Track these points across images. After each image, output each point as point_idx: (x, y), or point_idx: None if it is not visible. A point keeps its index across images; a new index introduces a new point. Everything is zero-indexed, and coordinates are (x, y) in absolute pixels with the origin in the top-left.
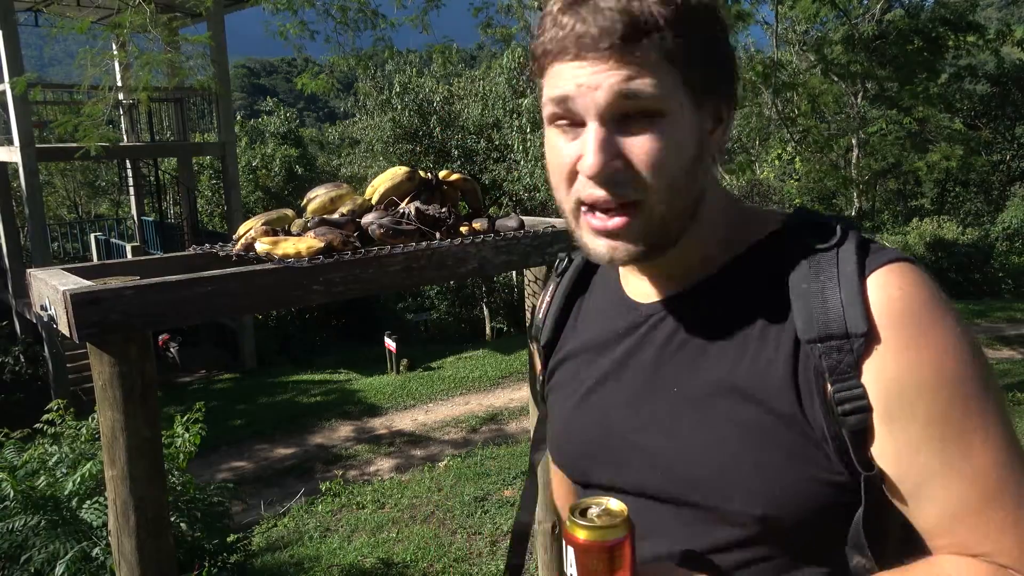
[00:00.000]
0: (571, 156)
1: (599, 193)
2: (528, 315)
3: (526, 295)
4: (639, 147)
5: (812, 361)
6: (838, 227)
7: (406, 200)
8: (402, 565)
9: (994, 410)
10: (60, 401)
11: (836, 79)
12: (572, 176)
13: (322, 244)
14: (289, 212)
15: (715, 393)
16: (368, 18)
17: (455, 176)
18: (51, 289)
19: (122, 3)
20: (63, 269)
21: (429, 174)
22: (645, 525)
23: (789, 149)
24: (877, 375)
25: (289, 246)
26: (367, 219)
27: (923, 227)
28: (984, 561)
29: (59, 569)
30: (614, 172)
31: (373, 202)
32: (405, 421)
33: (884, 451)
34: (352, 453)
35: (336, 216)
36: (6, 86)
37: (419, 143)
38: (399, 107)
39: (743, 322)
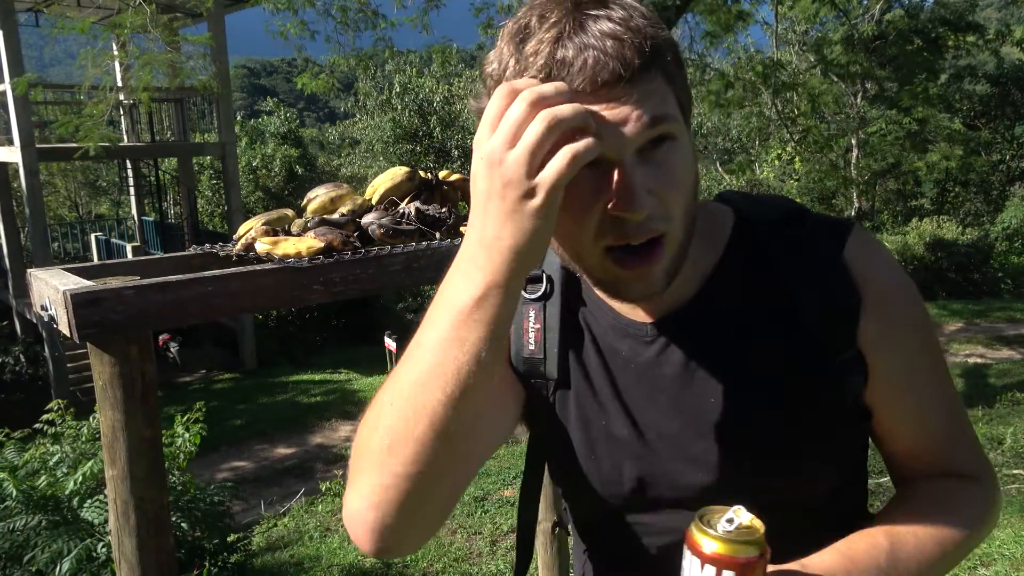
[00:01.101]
0: (594, 200)
1: (632, 234)
2: None
3: None
4: (664, 178)
5: (821, 338)
6: (789, 207)
7: (406, 200)
8: (402, 565)
9: (940, 350)
10: (60, 401)
11: (836, 79)
12: (595, 221)
13: (322, 244)
14: (289, 212)
15: (752, 391)
16: (368, 18)
17: (455, 176)
18: (51, 289)
19: (122, 3)
20: (63, 269)
21: (429, 174)
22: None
23: (789, 149)
24: (869, 336)
25: (289, 246)
26: (367, 219)
27: (923, 227)
28: (955, 477)
29: (64, 567)
30: (653, 209)
31: (373, 202)
32: None
33: (880, 395)
34: None
35: (336, 216)
36: (7, 86)
37: (419, 143)
38: (399, 107)
39: (754, 320)
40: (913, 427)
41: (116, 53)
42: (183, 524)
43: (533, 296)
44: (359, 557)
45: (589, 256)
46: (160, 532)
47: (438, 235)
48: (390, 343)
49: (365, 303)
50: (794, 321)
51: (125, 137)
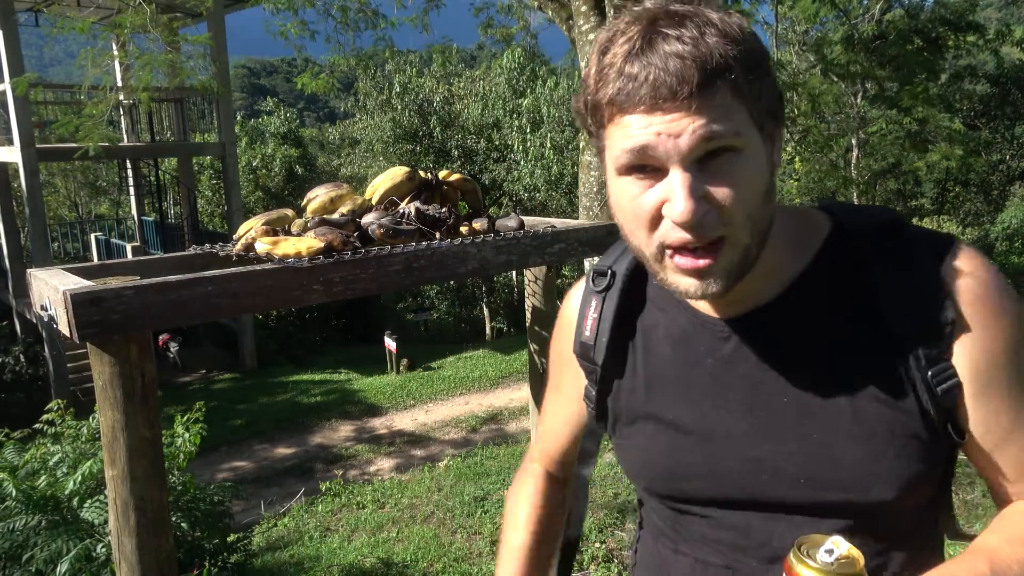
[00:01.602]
0: (652, 203)
1: (687, 236)
2: (528, 315)
3: (526, 295)
4: (722, 186)
5: (912, 350)
6: (888, 217)
7: (406, 200)
8: (402, 565)
9: None
10: (60, 401)
11: (836, 79)
12: (654, 222)
13: (322, 244)
14: (289, 212)
15: (835, 399)
16: (368, 18)
17: (455, 176)
18: (51, 289)
19: (122, 3)
20: (63, 269)
21: (429, 174)
22: (760, 534)
23: (789, 149)
24: (964, 355)
25: (289, 246)
26: (367, 219)
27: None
28: None
29: (62, 567)
30: (704, 215)
31: (373, 202)
32: (405, 421)
33: (973, 418)
34: (352, 453)
35: (336, 216)
36: (7, 86)
37: (419, 143)
38: (399, 107)
39: (839, 326)
40: (1012, 448)
41: (116, 53)
42: (183, 524)
43: (598, 288)
44: (359, 557)
45: (648, 252)
46: (160, 532)
47: (438, 235)
48: (390, 343)
49: (365, 303)
50: (883, 331)
51: (125, 137)
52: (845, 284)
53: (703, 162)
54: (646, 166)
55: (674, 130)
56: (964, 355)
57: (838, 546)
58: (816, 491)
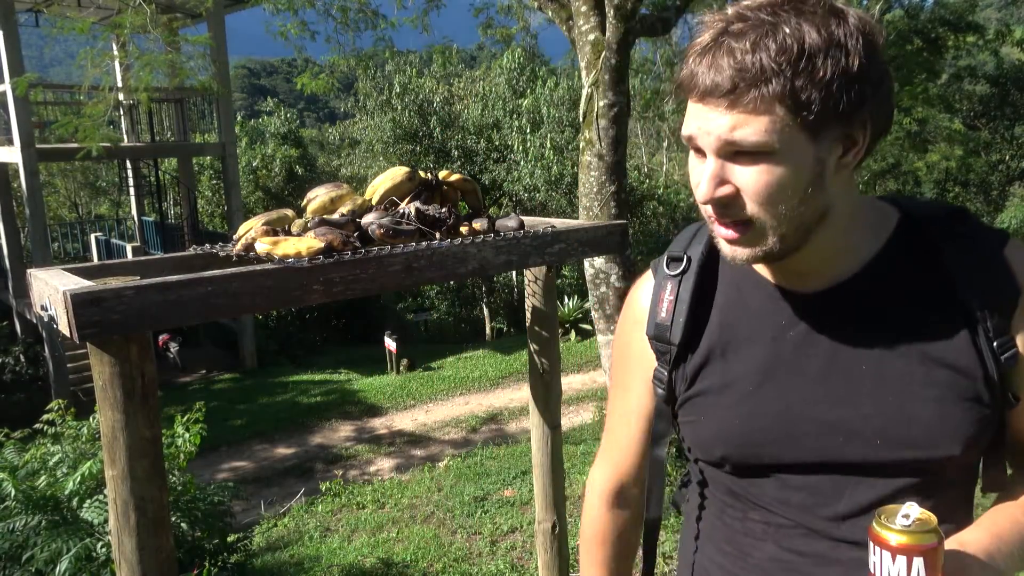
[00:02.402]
0: (698, 178)
1: (712, 211)
2: (528, 315)
3: (526, 295)
4: (747, 179)
5: (981, 322)
6: (952, 206)
7: (406, 200)
8: (402, 565)
9: None
10: (60, 401)
11: None
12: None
13: (322, 244)
14: (289, 212)
15: (909, 364)
16: (368, 18)
17: (455, 176)
18: (51, 289)
19: (122, 4)
20: (63, 269)
21: (429, 174)
22: (830, 494)
23: None
24: None
25: (289, 246)
26: (367, 219)
27: None
28: None
29: (62, 567)
30: (721, 198)
31: (373, 202)
32: (405, 421)
33: None
34: (352, 453)
35: (336, 216)
36: (7, 86)
37: (419, 143)
38: (399, 107)
39: (915, 299)
40: None
41: (116, 53)
42: (183, 524)
43: (673, 273)
44: (359, 557)
45: (703, 212)
46: (160, 532)
47: (438, 235)
48: (390, 343)
49: (365, 303)
50: (953, 304)
51: (125, 137)
52: (917, 262)
53: (738, 155)
54: (698, 147)
55: (708, 127)
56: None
57: (911, 509)
58: (889, 450)
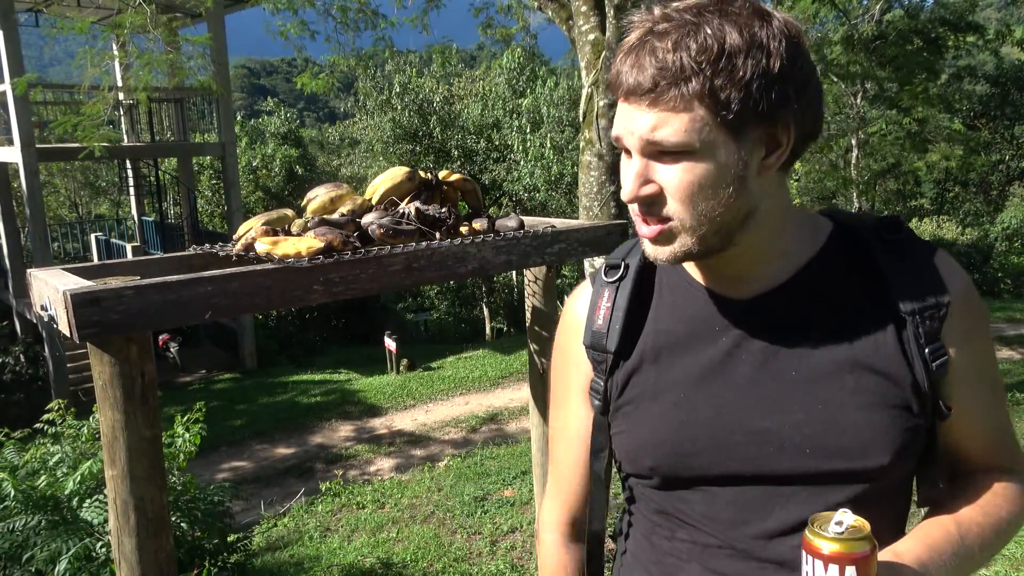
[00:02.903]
0: (624, 177)
1: (637, 210)
2: (528, 315)
3: (526, 295)
4: (669, 179)
5: (912, 329)
6: (885, 216)
7: (406, 200)
8: (402, 565)
9: (995, 354)
10: (60, 401)
11: (836, 79)
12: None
13: (322, 244)
14: (289, 212)
15: (840, 370)
16: (368, 18)
17: (455, 176)
18: (51, 289)
19: (122, 3)
20: (63, 269)
21: (429, 174)
22: (760, 509)
23: None
24: (957, 340)
25: (289, 246)
26: (367, 219)
27: (923, 227)
28: (1005, 471)
29: (61, 567)
30: (645, 197)
31: (373, 202)
32: (405, 421)
33: (963, 396)
34: (352, 453)
35: (336, 216)
36: (7, 86)
37: (419, 143)
38: (399, 107)
39: (847, 306)
40: (978, 424)
41: (116, 53)
42: (183, 524)
43: (611, 280)
44: (359, 557)
45: (631, 213)
46: (160, 532)
47: (438, 235)
48: (390, 343)
49: (365, 303)
50: (885, 310)
51: (125, 137)
52: (850, 269)
53: (662, 155)
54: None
55: (632, 127)
56: (957, 340)
57: (845, 516)
58: (819, 460)
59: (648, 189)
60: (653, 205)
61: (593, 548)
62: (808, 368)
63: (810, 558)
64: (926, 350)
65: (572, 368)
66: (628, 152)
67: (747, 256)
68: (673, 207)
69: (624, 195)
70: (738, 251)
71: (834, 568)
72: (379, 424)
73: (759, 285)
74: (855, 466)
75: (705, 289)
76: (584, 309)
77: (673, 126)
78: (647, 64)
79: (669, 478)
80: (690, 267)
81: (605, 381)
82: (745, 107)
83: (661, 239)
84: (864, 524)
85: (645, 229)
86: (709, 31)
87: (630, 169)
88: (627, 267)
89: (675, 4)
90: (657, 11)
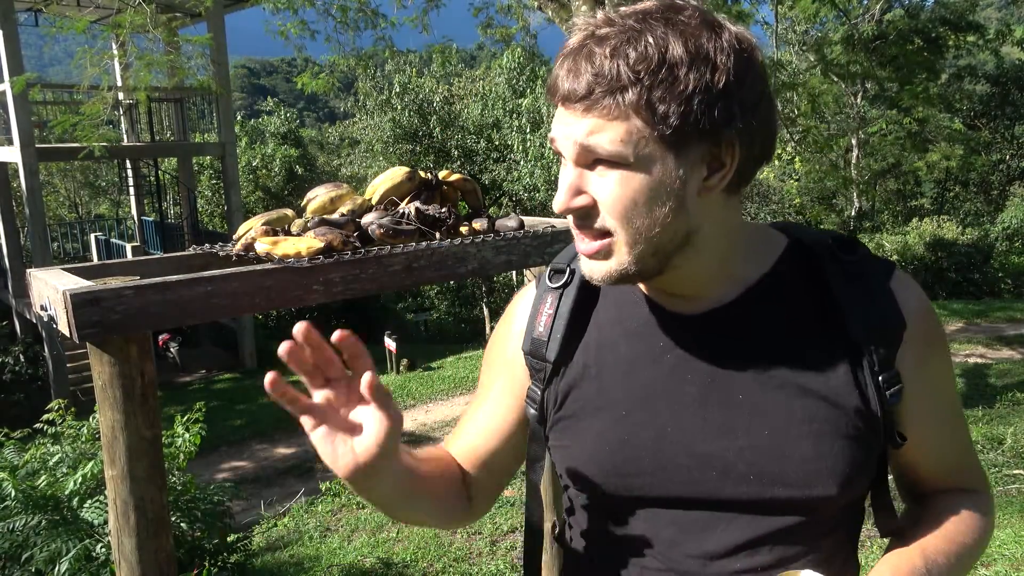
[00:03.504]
0: (559, 187)
1: (572, 223)
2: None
3: None
4: (603, 190)
5: (866, 357)
6: (840, 235)
7: (406, 200)
8: (402, 565)
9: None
10: (60, 401)
11: (836, 79)
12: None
13: (322, 244)
14: (289, 212)
15: (788, 396)
16: (368, 18)
17: (455, 176)
18: (51, 289)
19: (122, 3)
20: (63, 269)
21: (429, 174)
22: (700, 530)
23: (789, 149)
24: (914, 366)
25: (289, 246)
26: (367, 219)
27: (923, 227)
28: (965, 491)
29: (62, 567)
30: (577, 209)
31: (373, 202)
32: (405, 421)
33: (920, 423)
34: None
35: (336, 216)
36: (6, 86)
37: (419, 143)
38: (399, 107)
39: (798, 328)
40: (936, 448)
41: (115, 53)
42: (183, 524)
43: (554, 285)
44: (359, 557)
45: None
46: (160, 532)
47: (438, 235)
48: (390, 343)
49: (365, 303)
50: (837, 335)
51: (125, 137)
52: (803, 290)
53: (594, 164)
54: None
55: (567, 133)
56: (912, 366)
57: None
58: (762, 487)
59: (580, 200)
60: (587, 218)
61: (530, 560)
62: (756, 392)
63: None
64: (879, 378)
65: (505, 371)
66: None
67: (688, 279)
68: (609, 222)
69: (556, 205)
70: (679, 275)
71: None
72: None
73: (707, 302)
74: (799, 495)
75: (651, 302)
76: (526, 313)
77: (608, 135)
78: (583, 70)
79: (610, 497)
80: None
81: (542, 391)
82: (685, 122)
83: (599, 256)
84: None
85: (583, 245)
86: (651, 39)
87: (563, 179)
88: (572, 273)
89: (622, 9)
90: (601, 15)
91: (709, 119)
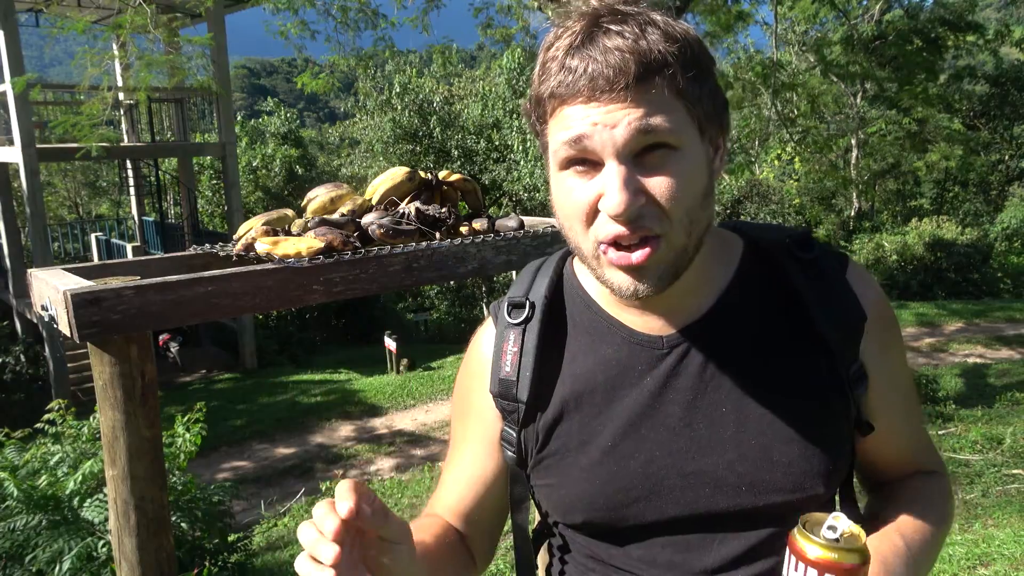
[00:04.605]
0: (589, 197)
1: (621, 230)
2: None
3: None
4: (659, 182)
5: (836, 351)
6: (794, 231)
7: (406, 200)
8: None
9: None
10: (61, 401)
11: (835, 79)
12: (591, 216)
13: (322, 244)
14: (289, 212)
15: (767, 402)
16: (368, 18)
17: (455, 176)
18: (52, 289)
19: (122, 3)
20: (64, 269)
21: (429, 174)
22: (698, 548)
23: (788, 149)
24: (875, 355)
25: (289, 246)
26: (367, 219)
27: (922, 227)
28: (926, 473)
29: (64, 566)
30: (638, 208)
31: (373, 202)
32: (405, 421)
33: (883, 411)
34: (353, 453)
35: (336, 216)
36: (7, 86)
37: (419, 143)
38: (399, 107)
39: (769, 333)
40: (897, 434)
41: (116, 53)
42: (183, 524)
43: (515, 321)
44: None
45: (586, 249)
46: (160, 532)
47: (438, 235)
48: (390, 343)
49: (365, 303)
50: (808, 334)
51: (125, 137)
52: (767, 293)
53: (640, 157)
54: (585, 160)
55: (610, 121)
56: (875, 355)
57: (839, 521)
58: (756, 496)
59: (642, 199)
60: (640, 219)
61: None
62: (737, 403)
63: (793, 559)
64: (850, 370)
65: (475, 414)
66: (590, 161)
67: (681, 285)
68: (665, 215)
69: (614, 209)
70: (678, 281)
71: (813, 573)
72: (379, 424)
73: (680, 318)
74: (792, 499)
75: (622, 327)
76: (489, 352)
77: (663, 116)
78: (618, 53)
79: (603, 528)
80: (604, 302)
81: (519, 432)
82: (707, 102)
83: (653, 260)
84: (860, 534)
85: (629, 256)
86: (660, 20)
87: (611, 178)
88: (532, 305)
89: (595, 1)
90: (595, 2)
91: (721, 101)
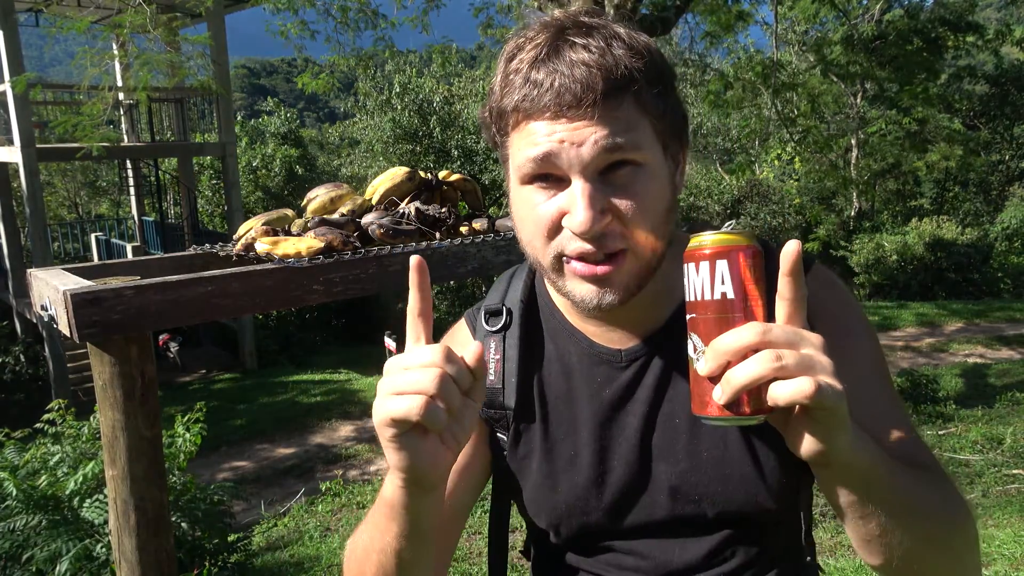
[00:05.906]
0: (552, 212)
1: (587, 247)
2: None
3: None
4: (625, 199)
5: None
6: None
7: (406, 200)
8: None
9: (887, 369)
10: (61, 401)
11: (836, 79)
12: (553, 231)
13: (322, 244)
14: (289, 212)
15: None
16: (368, 18)
17: (455, 176)
18: (52, 289)
19: (122, 3)
20: (64, 269)
21: (429, 174)
22: (661, 552)
23: (788, 149)
24: (844, 361)
25: (289, 246)
26: (367, 219)
27: (922, 227)
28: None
29: (62, 567)
30: (604, 226)
31: (373, 202)
32: None
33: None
34: (353, 453)
35: (336, 216)
36: (6, 86)
37: (419, 143)
38: (399, 107)
39: None
40: (869, 431)
41: (116, 53)
42: (183, 524)
43: (494, 328)
44: None
45: (546, 262)
46: (160, 532)
47: (438, 235)
48: (390, 343)
49: (365, 303)
50: None
51: (125, 137)
52: None
53: (606, 174)
54: (549, 175)
55: (577, 139)
56: (844, 361)
57: (728, 224)
58: (709, 507)
59: (608, 217)
60: (604, 236)
61: (495, 561)
62: (691, 413)
63: (685, 267)
64: None
65: None
66: (560, 179)
67: (642, 297)
68: (629, 232)
69: (580, 226)
70: (640, 293)
71: (705, 266)
72: None
73: (640, 329)
74: (745, 510)
75: (584, 337)
76: None
77: (632, 134)
78: (583, 68)
79: (567, 535)
80: (566, 310)
81: (511, 435)
82: (674, 118)
83: (616, 274)
84: (751, 230)
85: (594, 268)
86: (623, 33)
87: (579, 196)
88: (509, 312)
89: (556, 13)
90: (559, 14)
91: (682, 115)
